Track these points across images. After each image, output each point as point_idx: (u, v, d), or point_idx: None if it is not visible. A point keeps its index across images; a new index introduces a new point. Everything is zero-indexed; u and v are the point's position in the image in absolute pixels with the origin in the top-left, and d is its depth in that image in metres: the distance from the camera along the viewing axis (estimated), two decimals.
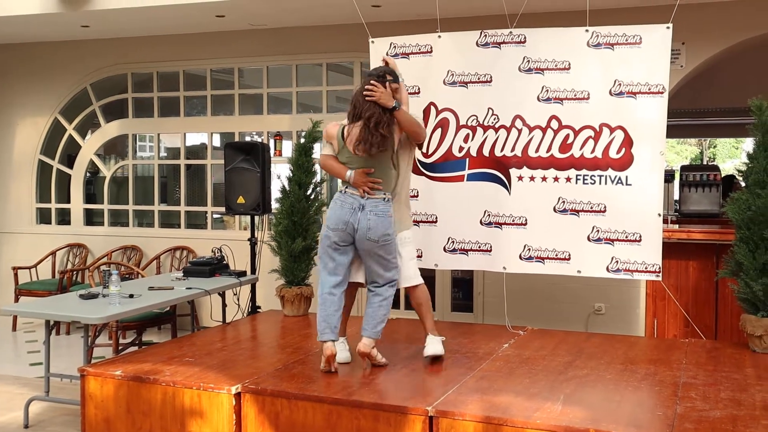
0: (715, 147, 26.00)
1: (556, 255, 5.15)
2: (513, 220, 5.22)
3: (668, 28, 4.85)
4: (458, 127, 5.33)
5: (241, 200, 6.09)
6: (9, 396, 5.49)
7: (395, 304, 4.70)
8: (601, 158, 5.03)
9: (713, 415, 3.40)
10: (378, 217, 4.17)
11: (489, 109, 5.27)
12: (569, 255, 5.13)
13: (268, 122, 7.80)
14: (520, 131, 5.20)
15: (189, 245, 7.79)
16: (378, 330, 4.25)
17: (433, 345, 4.41)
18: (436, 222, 5.39)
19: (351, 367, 4.32)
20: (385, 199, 4.21)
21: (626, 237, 4.99)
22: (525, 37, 5.16)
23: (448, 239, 5.36)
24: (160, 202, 8.30)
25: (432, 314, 4.53)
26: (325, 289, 4.26)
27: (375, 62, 5.56)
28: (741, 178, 4.76)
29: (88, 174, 8.62)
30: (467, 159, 5.32)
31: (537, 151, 5.18)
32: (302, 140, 5.99)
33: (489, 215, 5.29)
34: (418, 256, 5.42)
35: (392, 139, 4.18)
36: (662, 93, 4.89)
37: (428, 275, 5.82)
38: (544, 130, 5.15)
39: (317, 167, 6.11)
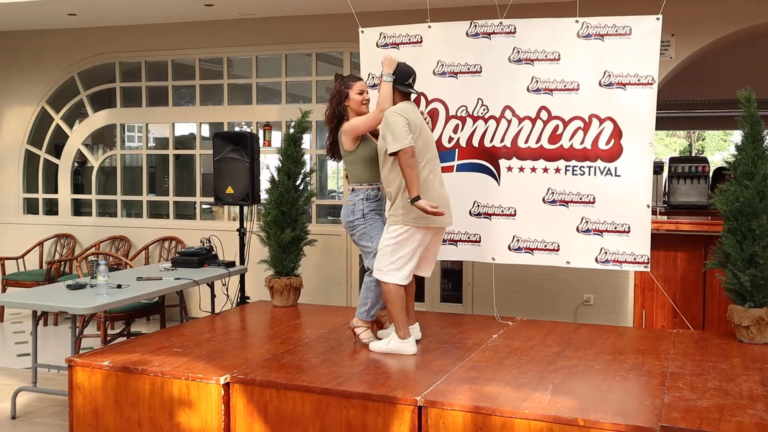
0: (703, 140, 26.10)
1: (545, 246, 5.17)
2: (502, 211, 5.23)
3: (658, 19, 4.86)
4: (448, 118, 5.33)
5: (230, 190, 6.07)
6: None
7: None
8: (590, 149, 5.04)
9: (700, 405, 3.42)
10: (343, 207, 4.69)
11: (479, 99, 5.26)
12: (558, 246, 5.14)
13: (257, 112, 7.77)
14: (509, 122, 5.21)
15: (177, 236, 7.77)
16: (361, 311, 4.64)
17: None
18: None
19: (340, 356, 4.32)
20: (351, 189, 4.65)
21: (615, 228, 5.01)
22: (515, 28, 5.15)
23: None
24: (149, 193, 8.26)
25: (394, 312, 4.43)
26: None
27: (364, 52, 5.55)
28: (730, 170, 4.76)
29: (75, 164, 8.56)
30: (456, 150, 5.31)
31: (526, 141, 5.18)
32: (291, 130, 5.97)
33: (478, 206, 5.29)
34: None
35: (338, 140, 4.65)
36: (651, 84, 4.90)
37: None
38: (533, 121, 5.16)
39: (306, 157, 6.10)
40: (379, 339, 4.58)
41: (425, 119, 4.59)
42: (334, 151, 4.73)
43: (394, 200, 4.37)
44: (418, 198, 4.21)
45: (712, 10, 6.22)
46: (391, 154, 4.28)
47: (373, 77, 5.46)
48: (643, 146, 4.95)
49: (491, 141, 5.24)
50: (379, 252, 4.44)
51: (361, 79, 4.72)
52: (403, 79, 4.47)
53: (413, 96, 4.54)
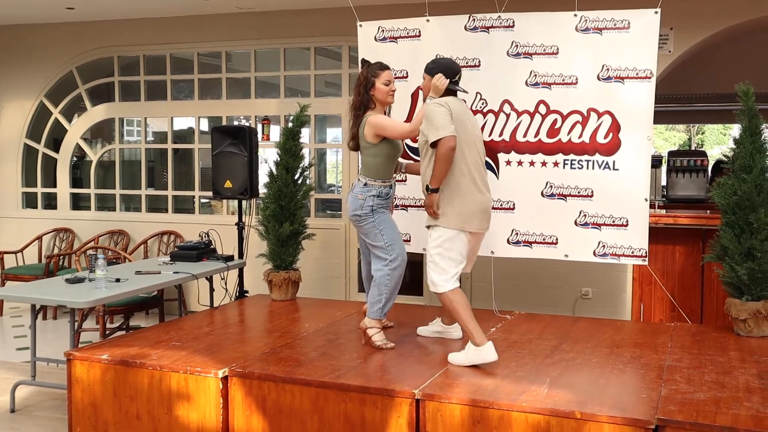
0: (703, 133, 26.09)
1: (544, 239, 5.17)
2: (501, 205, 5.23)
3: (656, 13, 4.85)
4: None
5: (228, 184, 6.06)
6: None
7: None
8: (588, 143, 5.04)
9: (697, 398, 3.43)
10: (351, 197, 4.49)
11: (477, 93, 5.26)
12: (557, 239, 5.15)
13: (255, 106, 7.77)
14: (508, 116, 5.21)
15: (176, 230, 7.77)
16: (374, 310, 4.45)
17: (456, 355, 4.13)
18: (424, 207, 5.38)
19: (338, 350, 4.33)
20: (360, 180, 4.49)
21: (613, 222, 5.01)
22: (513, 22, 5.15)
23: None
24: (147, 187, 8.26)
25: (463, 320, 4.07)
26: None
27: (363, 46, 5.54)
28: (728, 163, 4.77)
29: (74, 158, 8.56)
30: None
31: (525, 135, 5.18)
32: (290, 124, 5.96)
33: None
34: (406, 241, 5.43)
35: (358, 132, 4.50)
36: (650, 78, 4.90)
37: (417, 259, 5.85)
38: (532, 115, 5.16)
39: (305, 151, 6.10)
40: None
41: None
42: (357, 143, 4.52)
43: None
44: (435, 191, 4.10)
45: (710, 4, 6.21)
46: (432, 145, 4.07)
47: None
48: (642, 140, 4.95)
49: (490, 135, 5.24)
50: (429, 263, 4.20)
51: (388, 68, 4.50)
52: (448, 77, 4.23)
53: (461, 95, 4.35)
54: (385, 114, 4.58)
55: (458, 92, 4.34)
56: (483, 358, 3.95)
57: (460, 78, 4.31)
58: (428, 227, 4.26)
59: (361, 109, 4.47)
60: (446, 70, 4.24)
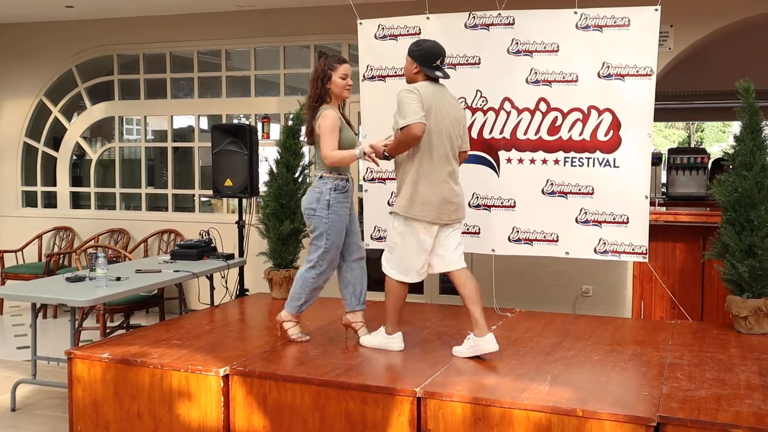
0: (702, 131, 26.08)
1: (545, 237, 5.17)
2: (502, 203, 5.23)
3: (657, 10, 4.85)
4: None
5: (228, 183, 6.06)
6: None
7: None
8: (589, 141, 5.04)
9: (698, 395, 3.43)
10: (308, 191, 4.42)
11: (477, 91, 5.26)
12: (557, 237, 5.15)
13: (255, 105, 7.76)
14: (508, 113, 5.20)
15: (176, 228, 7.76)
16: (292, 305, 4.51)
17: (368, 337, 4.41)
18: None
19: (339, 348, 4.33)
20: (316, 174, 4.40)
21: (614, 219, 5.01)
22: (514, 19, 5.14)
23: None
24: (148, 185, 8.26)
25: (388, 307, 4.27)
26: None
27: (363, 44, 5.54)
28: (729, 161, 4.77)
29: (74, 157, 8.56)
30: None
31: (525, 133, 5.18)
32: (290, 123, 5.96)
33: (477, 198, 5.29)
34: None
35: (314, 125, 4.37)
36: (650, 75, 4.90)
37: None
38: (532, 113, 5.15)
39: (305, 149, 6.09)
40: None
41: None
42: (314, 137, 4.39)
43: (399, 192, 4.15)
44: (388, 158, 4.13)
45: (710, 2, 6.21)
46: (401, 130, 3.95)
47: (371, 69, 5.46)
48: (642, 137, 4.94)
49: (490, 133, 5.24)
50: (386, 246, 4.26)
51: (346, 62, 4.37)
52: (428, 61, 4.08)
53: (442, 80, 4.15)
54: (339, 109, 4.44)
55: (440, 78, 4.14)
56: (390, 345, 4.26)
57: (442, 62, 4.14)
58: (390, 213, 4.23)
59: (317, 102, 4.35)
60: (428, 53, 4.10)
